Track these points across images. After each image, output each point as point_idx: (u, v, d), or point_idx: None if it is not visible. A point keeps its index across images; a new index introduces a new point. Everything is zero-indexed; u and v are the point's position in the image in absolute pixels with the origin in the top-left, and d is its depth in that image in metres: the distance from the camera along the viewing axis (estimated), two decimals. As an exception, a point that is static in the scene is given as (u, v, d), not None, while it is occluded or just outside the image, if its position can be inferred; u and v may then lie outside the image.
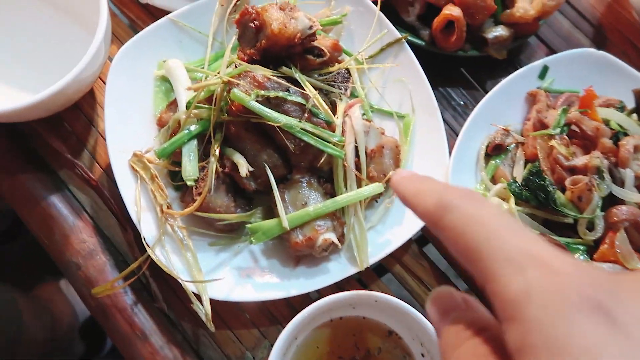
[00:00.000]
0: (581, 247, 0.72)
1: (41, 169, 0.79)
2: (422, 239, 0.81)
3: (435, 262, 0.80)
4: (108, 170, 0.79)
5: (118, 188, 0.71)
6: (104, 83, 0.76)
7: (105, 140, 0.74)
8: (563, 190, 0.74)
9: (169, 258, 0.70)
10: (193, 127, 0.72)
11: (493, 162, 0.80)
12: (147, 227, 0.71)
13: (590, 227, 0.72)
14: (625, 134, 0.77)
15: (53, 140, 0.79)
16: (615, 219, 0.71)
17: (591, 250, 0.72)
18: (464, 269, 0.79)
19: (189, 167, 0.71)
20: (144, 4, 0.89)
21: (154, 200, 0.72)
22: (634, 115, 0.81)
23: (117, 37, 0.88)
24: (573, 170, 0.74)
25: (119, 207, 0.77)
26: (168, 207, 0.71)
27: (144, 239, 0.69)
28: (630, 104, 0.82)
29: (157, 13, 0.88)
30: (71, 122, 0.82)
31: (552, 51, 0.97)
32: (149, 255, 0.69)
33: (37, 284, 1.33)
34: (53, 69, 0.79)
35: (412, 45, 0.84)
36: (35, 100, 0.68)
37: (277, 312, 0.74)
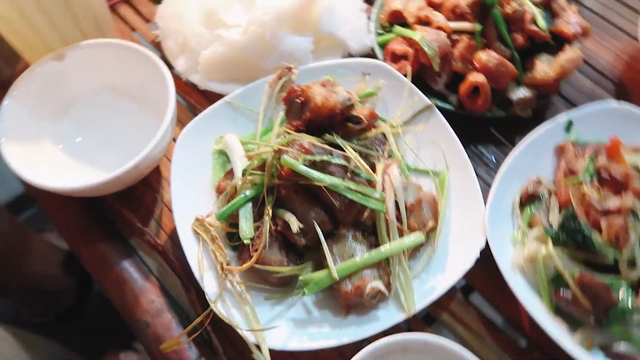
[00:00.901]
0: (625, 284, 0.73)
1: (115, 237, 0.89)
2: (467, 287, 0.84)
3: (480, 307, 0.82)
4: (172, 236, 0.88)
5: (183, 250, 0.79)
6: (169, 160, 0.87)
7: (169, 210, 0.84)
8: (600, 232, 0.77)
9: (230, 312, 0.75)
10: (248, 192, 0.80)
11: (528, 209, 0.84)
12: (209, 284, 0.77)
13: (632, 265, 0.74)
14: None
15: (126, 212, 0.89)
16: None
17: (635, 287, 0.74)
18: (510, 317, 0.81)
19: (246, 227, 0.78)
20: (202, 90, 1.02)
21: (215, 259, 0.79)
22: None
23: (179, 120, 1.00)
24: (607, 213, 0.77)
25: (182, 269, 0.84)
26: (227, 264, 0.78)
27: (207, 295, 0.75)
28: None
29: (213, 97, 1.00)
30: (140, 196, 0.93)
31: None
32: (211, 310, 0.74)
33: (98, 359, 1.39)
34: (127, 149, 0.91)
35: (442, 110, 0.92)
36: (113, 175, 0.79)
37: (329, 361, 0.78)
